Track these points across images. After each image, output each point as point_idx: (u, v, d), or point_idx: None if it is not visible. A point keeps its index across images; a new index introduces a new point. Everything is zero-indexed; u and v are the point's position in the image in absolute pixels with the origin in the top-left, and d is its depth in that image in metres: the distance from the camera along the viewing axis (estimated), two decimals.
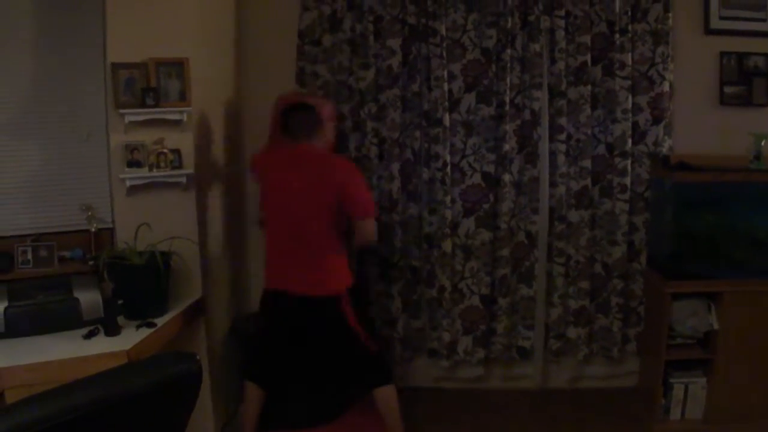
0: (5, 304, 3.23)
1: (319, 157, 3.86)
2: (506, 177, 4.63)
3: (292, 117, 3.88)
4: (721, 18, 4.58)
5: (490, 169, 4.70)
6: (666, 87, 4.54)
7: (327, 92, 4.60)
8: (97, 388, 1.75)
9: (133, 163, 3.73)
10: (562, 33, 4.49)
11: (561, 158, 4.59)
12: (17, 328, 3.22)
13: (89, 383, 1.77)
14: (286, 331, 3.95)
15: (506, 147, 4.59)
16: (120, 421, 1.79)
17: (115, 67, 3.67)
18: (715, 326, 4.18)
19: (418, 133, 4.68)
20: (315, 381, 4.30)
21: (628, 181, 4.58)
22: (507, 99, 4.56)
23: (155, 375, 1.89)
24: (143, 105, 3.68)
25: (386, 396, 3.92)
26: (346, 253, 3.93)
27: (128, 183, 3.73)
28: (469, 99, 4.65)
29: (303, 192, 3.72)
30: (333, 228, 3.78)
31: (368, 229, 3.79)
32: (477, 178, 4.71)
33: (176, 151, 3.78)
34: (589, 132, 4.58)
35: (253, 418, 4.00)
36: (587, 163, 4.60)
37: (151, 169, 3.73)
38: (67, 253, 3.81)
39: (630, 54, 4.50)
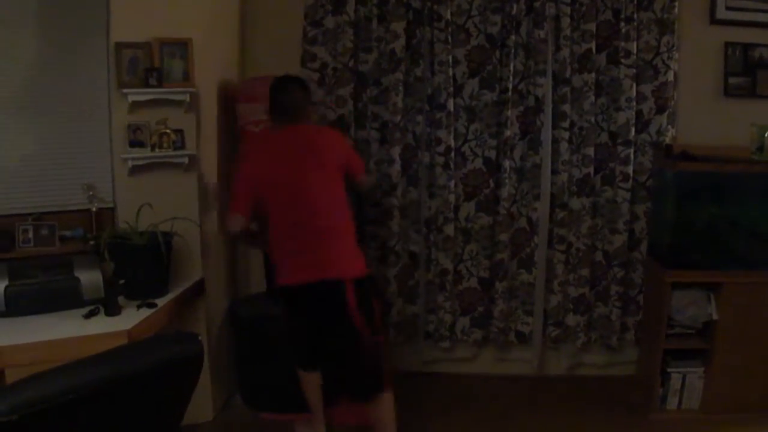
0: (6, 283, 3.24)
1: (321, 131, 3.82)
2: (507, 163, 4.62)
3: (285, 93, 3.70)
4: (728, 8, 4.55)
5: (492, 154, 4.69)
6: (670, 76, 4.52)
7: (326, 75, 4.60)
8: (99, 368, 1.75)
9: (135, 143, 3.73)
10: (568, 20, 4.47)
11: (564, 145, 4.57)
12: (18, 307, 3.23)
13: (92, 363, 1.78)
14: (312, 320, 3.70)
15: (508, 133, 4.58)
16: (122, 401, 1.79)
17: (119, 46, 3.67)
18: (714, 316, 4.18)
19: (419, 118, 4.67)
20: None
21: (630, 169, 4.57)
22: (510, 85, 4.55)
23: (158, 355, 1.89)
24: (146, 85, 3.67)
25: (382, 405, 3.69)
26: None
27: (130, 163, 3.73)
28: (473, 84, 4.64)
29: (317, 168, 3.54)
30: (345, 201, 3.64)
31: (368, 179, 4.03)
32: (478, 163, 4.70)
33: (179, 132, 3.78)
34: (593, 120, 4.57)
35: (319, 400, 3.84)
36: (590, 151, 4.59)
37: (153, 149, 3.73)
38: (68, 233, 3.82)
39: (635, 42, 4.48)
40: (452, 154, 4.61)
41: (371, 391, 3.64)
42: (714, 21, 4.59)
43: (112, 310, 3.26)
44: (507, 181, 4.64)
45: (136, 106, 3.71)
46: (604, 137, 4.65)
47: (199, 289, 3.97)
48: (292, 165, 3.53)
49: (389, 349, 4.69)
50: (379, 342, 3.68)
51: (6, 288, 3.22)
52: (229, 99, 4.38)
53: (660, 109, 4.55)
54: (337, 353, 3.69)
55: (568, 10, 4.46)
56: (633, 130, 4.54)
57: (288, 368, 3.89)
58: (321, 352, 3.79)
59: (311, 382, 3.82)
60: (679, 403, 4.34)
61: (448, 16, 4.50)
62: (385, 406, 3.68)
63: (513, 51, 4.53)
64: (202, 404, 4.09)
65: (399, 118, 4.58)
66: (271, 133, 3.79)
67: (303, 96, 3.75)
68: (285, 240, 3.58)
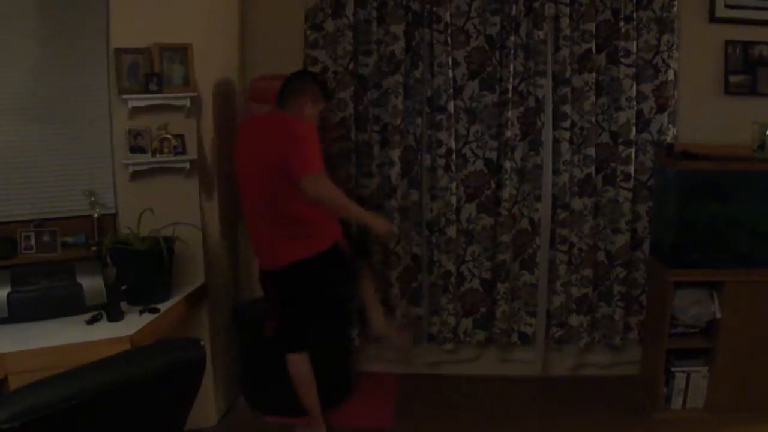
0: (8, 289, 3.24)
1: (276, 120, 3.75)
2: (508, 164, 4.61)
3: (289, 78, 3.84)
4: (727, 6, 4.54)
5: (493, 155, 4.69)
6: (671, 75, 4.51)
7: (327, 78, 4.58)
8: (101, 374, 1.75)
9: (136, 149, 3.73)
10: (567, 20, 4.46)
11: (565, 146, 4.57)
12: (20, 313, 3.23)
13: (94, 369, 1.78)
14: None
15: (508, 134, 4.57)
16: (124, 406, 1.79)
17: (119, 52, 3.67)
18: (718, 315, 4.17)
19: (419, 120, 4.67)
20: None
21: (631, 169, 4.57)
22: (510, 86, 4.54)
23: (160, 361, 1.89)
24: (147, 90, 3.68)
25: (293, 363, 3.90)
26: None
27: (131, 168, 3.73)
28: (473, 86, 4.63)
29: (259, 159, 3.65)
30: (291, 194, 3.58)
31: (312, 187, 3.46)
32: (479, 165, 4.70)
33: (180, 137, 3.78)
34: (593, 120, 4.56)
35: (315, 392, 3.95)
36: (591, 151, 4.58)
37: (154, 155, 3.73)
38: (70, 239, 3.83)
39: (635, 42, 4.48)
40: (453, 155, 4.61)
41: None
42: (713, 19, 4.58)
43: (115, 315, 3.26)
44: (508, 182, 4.63)
45: (136, 111, 3.71)
46: (605, 137, 4.64)
47: (201, 294, 3.96)
48: (244, 152, 3.81)
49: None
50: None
51: (8, 294, 3.22)
52: (232, 98, 4.37)
53: (660, 109, 4.54)
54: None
55: (567, 10, 4.45)
56: (634, 129, 4.54)
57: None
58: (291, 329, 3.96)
59: (304, 365, 3.91)
60: (684, 402, 4.33)
61: (448, 18, 4.50)
62: (291, 365, 3.91)
63: (513, 52, 4.52)
64: (205, 409, 4.08)
65: (399, 120, 4.58)
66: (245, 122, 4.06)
67: (300, 84, 3.82)
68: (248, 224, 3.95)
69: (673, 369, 4.29)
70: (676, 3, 4.45)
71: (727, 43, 4.60)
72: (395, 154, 4.60)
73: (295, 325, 3.90)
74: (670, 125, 4.57)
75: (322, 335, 4.17)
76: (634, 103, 4.52)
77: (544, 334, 4.88)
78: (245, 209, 3.88)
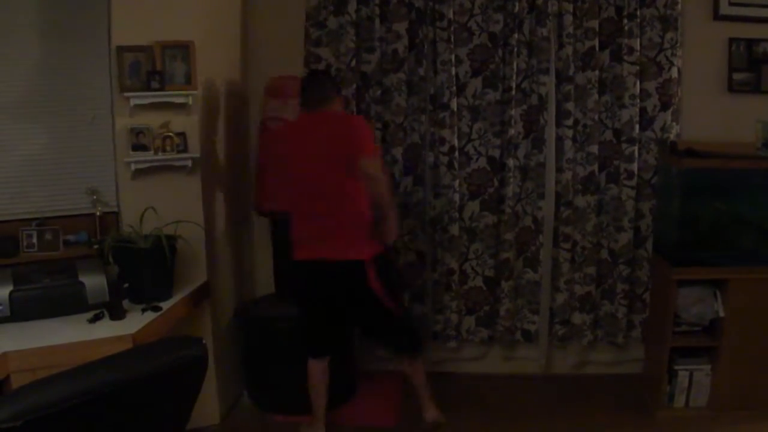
0: (10, 288, 3.23)
1: (339, 118, 3.82)
2: (511, 162, 4.61)
3: (308, 86, 3.84)
4: (731, 4, 4.53)
5: (496, 153, 4.68)
6: (674, 73, 4.50)
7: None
8: (104, 373, 1.75)
9: (138, 147, 3.72)
10: (570, 18, 4.45)
11: (568, 143, 4.56)
12: (22, 312, 3.22)
13: (96, 368, 1.77)
14: (324, 301, 3.86)
15: (511, 131, 4.57)
16: (126, 405, 1.79)
17: (121, 50, 3.66)
18: (721, 314, 4.16)
19: (423, 118, 4.66)
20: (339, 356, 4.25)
21: (635, 167, 4.56)
22: (513, 84, 4.53)
23: (162, 359, 1.89)
24: (148, 88, 3.67)
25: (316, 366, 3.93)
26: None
27: (133, 166, 3.73)
28: (476, 83, 4.63)
29: (325, 154, 3.62)
30: (356, 189, 3.64)
31: (370, 165, 3.58)
32: (482, 162, 4.69)
33: (182, 135, 3.78)
34: (597, 117, 4.56)
35: (323, 397, 3.96)
36: (594, 149, 4.58)
37: (156, 153, 3.73)
38: (72, 237, 3.82)
39: (638, 39, 4.46)
40: (456, 153, 4.60)
41: (409, 349, 4.06)
42: (717, 17, 4.57)
43: (117, 314, 3.25)
44: (511, 179, 4.62)
45: (138, 109, 3.71)
46: (608, 135, 4.63)
47: (204, 292, 3.96)
48: (302, 152, 3.67)
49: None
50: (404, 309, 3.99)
51: (11, 293, 3.22)
52: (235, 96, 4.35)
53: (664, 106, 4.53)
54: (368, 324, 4.03)
55: (570, 7, 4.44)
56: (637, 127, 4.53)
57: (297, 369, 3.91)
58: (330, 337, 3.96)
59: (317, 373, 3.89)
60: (687, 400, 4.32)
61: (451, 15, 4.49)
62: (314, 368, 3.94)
63: (516, 49, 4.51)
64: (208, 408, 4.08)
65: (402, 118, 4.57)
66: (295, 120, 3.99)
67: (329, 85, 3.87)
68: (298, 223, 3.77)
69: (676, 367, 4.28)
70: (679, 0, 4.44)
71: (731, 40, 4.59)
72: (398, 152, 4.60)
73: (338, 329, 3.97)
74: (674, 123, 4.56)
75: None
76: (638, 100, 4.51)
77: (547, 332, 4.87)
78: (300, 205, 3.76)
